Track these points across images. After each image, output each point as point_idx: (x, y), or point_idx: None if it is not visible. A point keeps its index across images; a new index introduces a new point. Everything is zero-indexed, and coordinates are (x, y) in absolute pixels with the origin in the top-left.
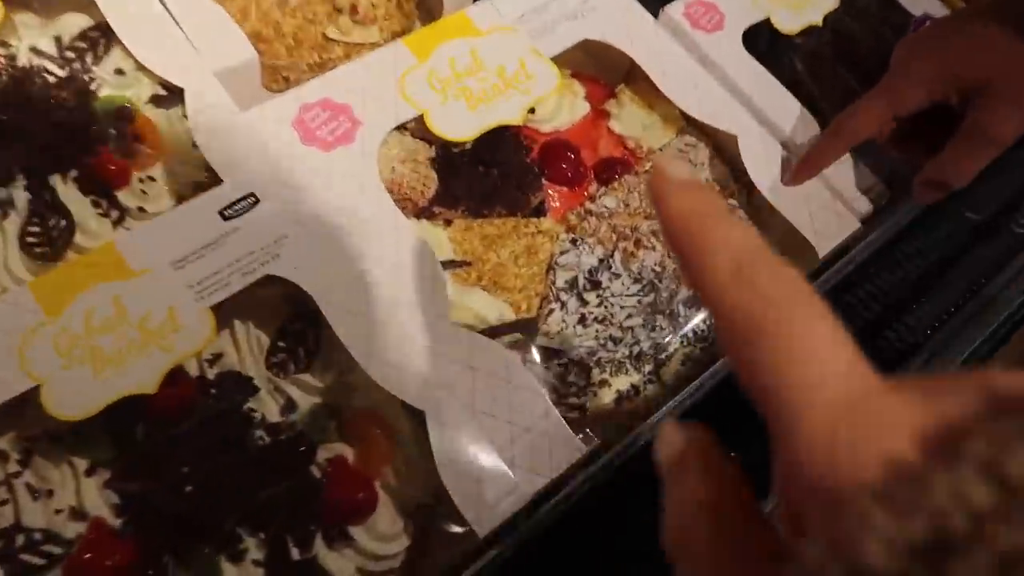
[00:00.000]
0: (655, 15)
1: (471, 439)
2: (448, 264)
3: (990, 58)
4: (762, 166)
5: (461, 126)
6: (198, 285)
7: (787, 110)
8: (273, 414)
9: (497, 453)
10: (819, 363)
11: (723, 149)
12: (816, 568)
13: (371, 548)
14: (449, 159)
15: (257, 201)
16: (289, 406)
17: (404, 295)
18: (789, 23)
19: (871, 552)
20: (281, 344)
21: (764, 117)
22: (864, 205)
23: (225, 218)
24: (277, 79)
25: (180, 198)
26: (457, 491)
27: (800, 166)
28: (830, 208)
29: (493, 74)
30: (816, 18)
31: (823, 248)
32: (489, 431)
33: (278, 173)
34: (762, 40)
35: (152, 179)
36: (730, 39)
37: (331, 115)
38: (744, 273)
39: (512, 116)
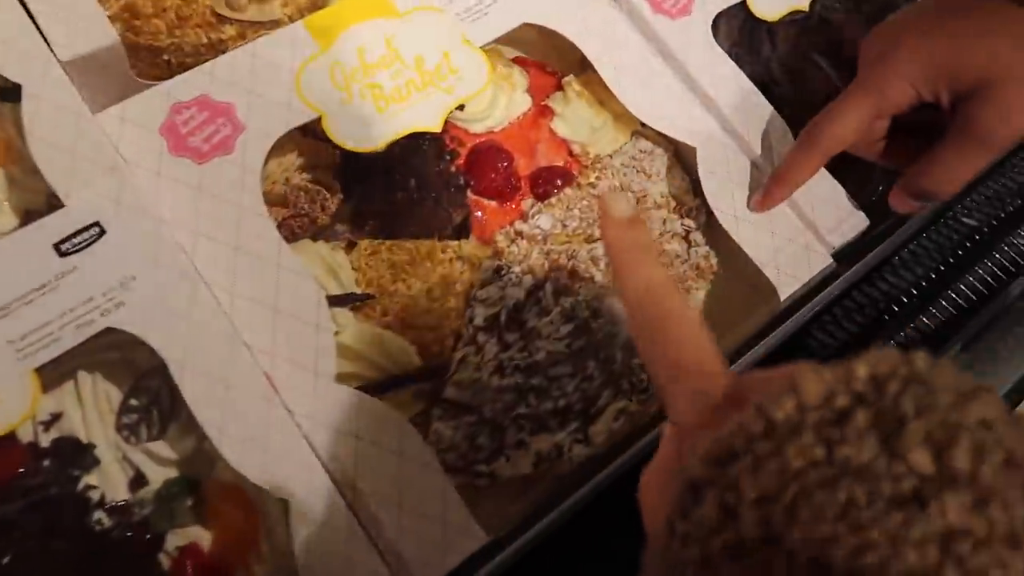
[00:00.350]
0: None
1: (346, 533)
2: (346, 298)
3: (994, 48)
4: (723, 186)
5: (366, 133)
6: (21, 341)
7: (759, 118)
8: (118, 491)
9: (378, 552)
10: (685, 366)
11: (684, 156)
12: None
13: None
14: (357, 167)
15: (103, 232)
16: (138, 480)
17: (278, 349)
18: (769, 7)
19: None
20: (134, 402)
21: (730, 126)
22: (839, 238)
23: (61, 253)
24: (157, 64)
25: (28, 219)
26: None
27: (770, 185)
28: (798, 241)
29: (410, 67)
30: (802, 2)
31: (786, 289)
32: (371, 521)
33: (134, 194)
34: (734, 27)
35: None
36: (698, 27)
37: (208, 117)
38: (644, 299)
39: (429, 122)
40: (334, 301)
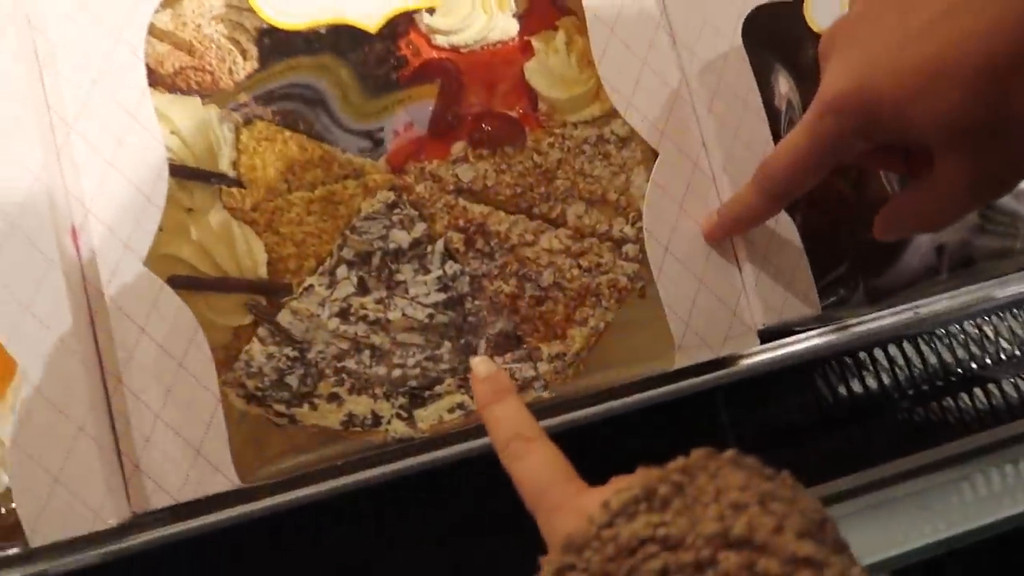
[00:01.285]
0: None
1: (83, 421)
2: (216, 176)
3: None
4: (667, 208)
5: (291, 7)
6: None
7: (750, 142)
8: None
9: (117, 452)
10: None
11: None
12: None
13: None
14: (284, 42)
15: None
16: None
17: (97, 208)
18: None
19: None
20: None
21: (712, 142)
22: (775, 317)
23: None
24: None
25: None
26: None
27: (716, 216)
28: (728, 303)
29: None
30: None
31: (684, 356)
32: (121, 420)
33: None
34: (779, 28)
35: None
36: (730, 12)
37: None
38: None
39: (366, 20)
40: (199, 175)
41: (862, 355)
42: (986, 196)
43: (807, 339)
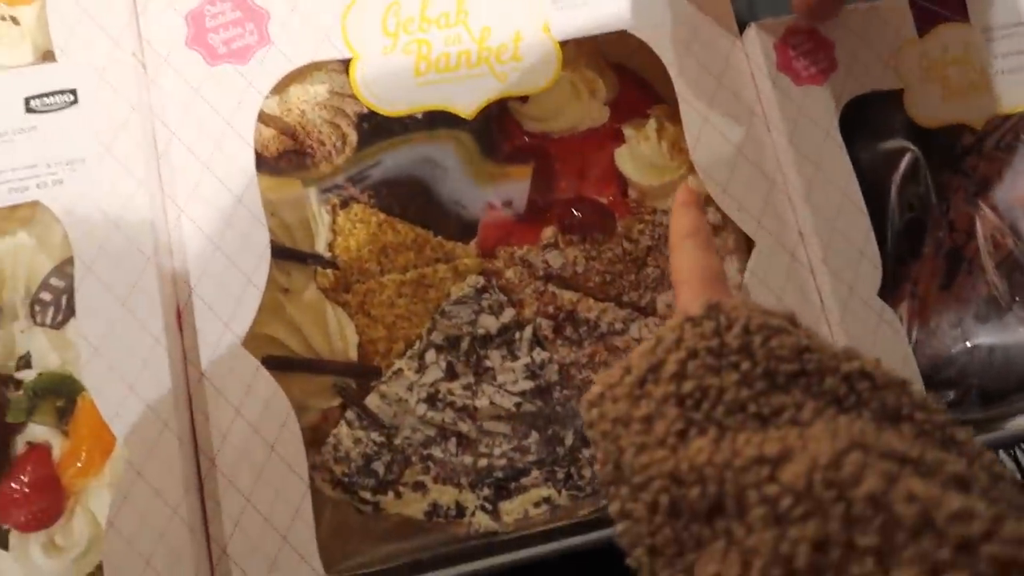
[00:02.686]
0: (744, 26)
1: (177, 502)
2: (313, 257)
3: None
4: (764, 301)
5: (391, 93)
6: None
7: (848, 241)
8: (3, 363)
9: (206, 535)
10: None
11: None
12: None
13: (22, 573)
14: (382, 126)
15: (75, 102)
16: (25, 361)
17: (201, 287)
18: (931, 111)
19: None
20: (53, 282)
21: (809, 237)
22: None
23: (29, 109)
24: None
25: (46, 57)
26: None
27: None
28: None
29: (472, 37)
30: (974, 117)
31: None
32: (212, 502)
33: (122, 73)
34: (878, 120)
35: (15, 20)
36: (826, 102)
37: (239, 18)
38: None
39: (463, 107)
40: (296, 256)
41: None
42: None
43: None
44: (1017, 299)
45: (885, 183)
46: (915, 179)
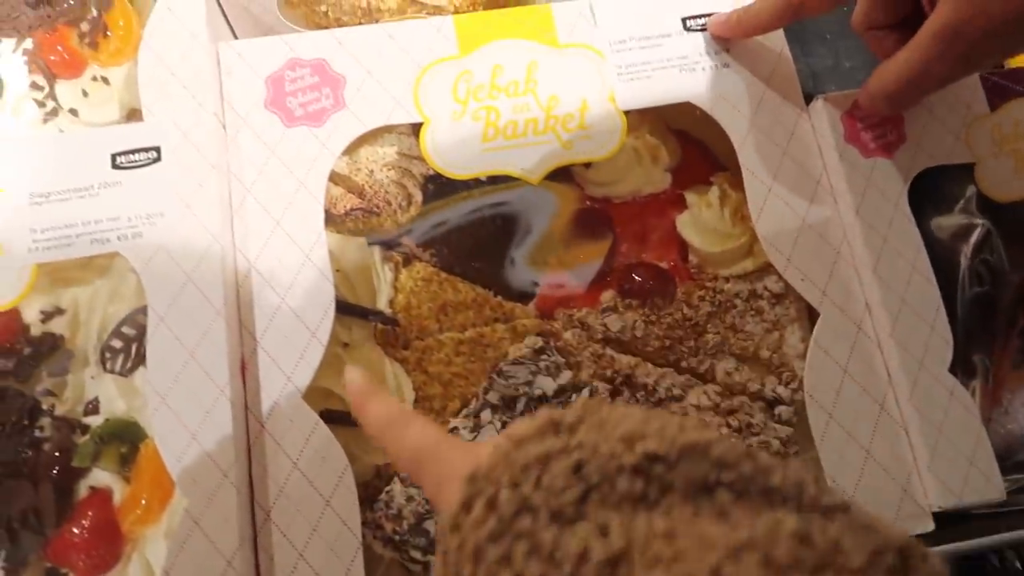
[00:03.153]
0: (811, 98)
1: (231, 557)
2: (374, 314)
3: None
4: (832, 373)
5: (458, 157)
6: (40, 233)
7: (916, 314)
8: (72, 408)
9: None
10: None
11: (814, 316)
12: None
13: None
14: (448, 187)
15: (158, 159)
16: (93, 407)
17: (267, 341)
18: (1004, 185)
19: None
20: (125, 330)
21: (876, 309)
22: (952, 499)
23: (115, 165)
24: (315, 11)
25: (132, 115)
26: None
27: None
28: (896, 478)
29: (539, 105)
30: None
31: None
32: (266, 556)
33: (205, 135)
34: (949, 193)
35: (106, 81)
36: (894, 175)
37: (317, 83)
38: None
39: (528, 171)
40: (358, 312)
41: None
42: (966, 38)
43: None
44: None
45: (956, 256)
46: (987, 252)
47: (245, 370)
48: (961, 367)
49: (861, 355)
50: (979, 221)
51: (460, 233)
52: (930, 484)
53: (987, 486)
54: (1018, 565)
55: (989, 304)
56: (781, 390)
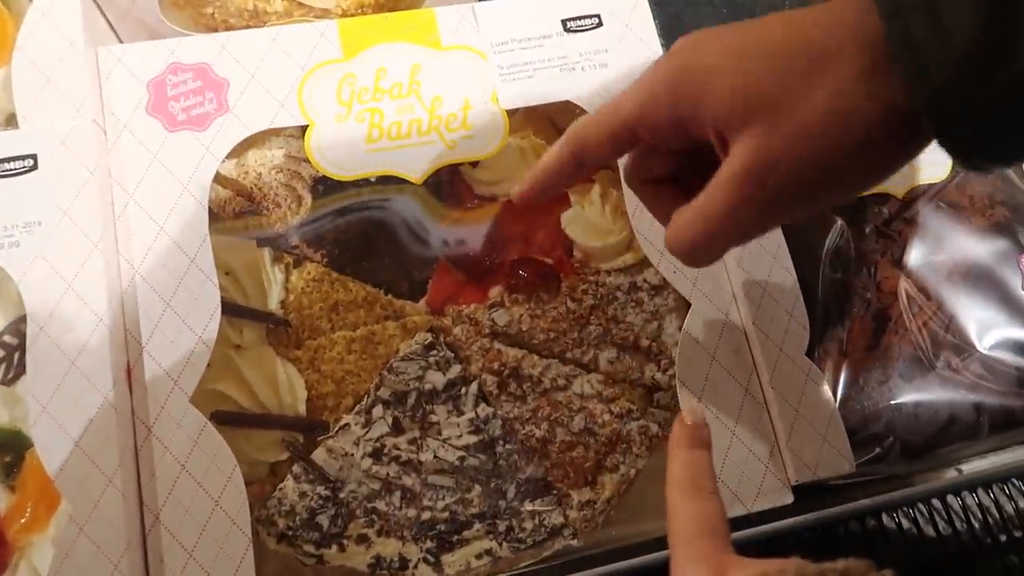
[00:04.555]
0: None
1: (119, 563)
2: (265, 315)
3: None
4: (700, 363)
5: (343, 159)
6: None
7: (779, 292)
8: None
9: None
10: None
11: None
12: None
13: None
14: (337, 188)
15: (35, 167)
16: None
17: (152, 346)
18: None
19: None
20: (6, 339)
21: (743, 298)
22: (807, 474)
23: None
24: (203, 14)
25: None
26: None
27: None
28: (760, 457)
29: (423, 106)
30: (897, 186)
31: None
32: (156, 560)
33: (83, 141)
34: None
35: None
36: None
37: (200, 87)
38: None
39: (412, 173)
40: (249, 314)
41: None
42: (767, 183)
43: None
44: (940, 358)
45: (815, 249)
46: (842, 245)
47: (131, 376)
48: (818, 350)
49: (729, 342)
50: (835, 217)
51: (350, 233)
52: (789, 460)
53: (839, 461)
54: (874, 527)
55: (845, 291)
56: (660, 377)
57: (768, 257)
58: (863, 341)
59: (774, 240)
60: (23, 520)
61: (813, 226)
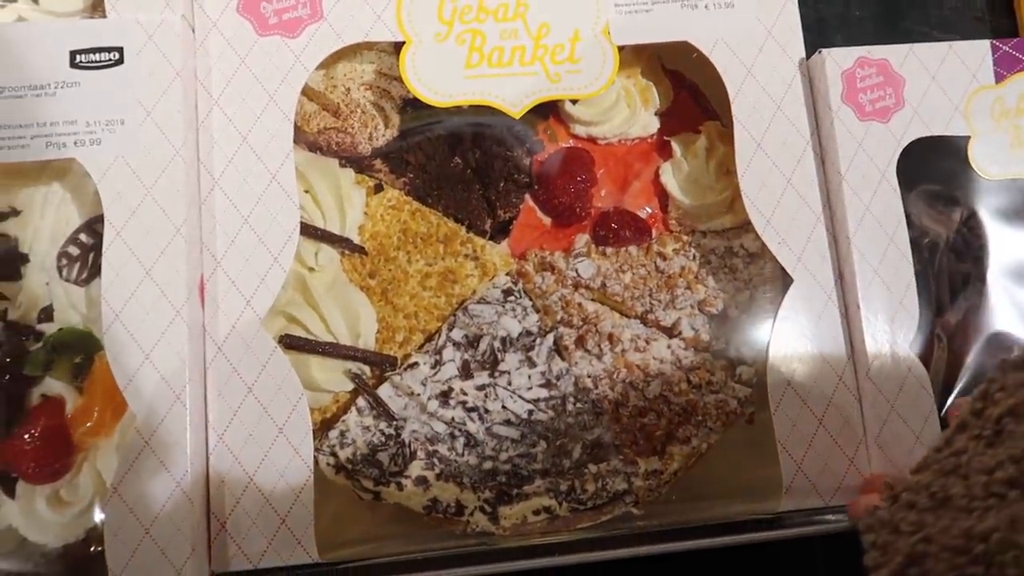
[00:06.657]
0: (814, 49)
1: (182, 478)
2: (340, 240)
3: None
4: (799, 338)
5: (438, 83)
6: None
7: (893, 278)
8: (25, 314)
9: (207, 514)
10: None
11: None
12: None
13: (25, 522)
14: (426, 112)
15: (120, 61)
16: (47, 314)
17: (228, 261)
18: (995, 162)
19: None
20: (82, 238)
21: (849, 274)
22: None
23: (73, 64)
24: None
25: (96, 7)
26: (116, 541)
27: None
28: (836, 456)
29: (529, 33)
30: None
31: (786, 503)
32: (216, 482)
33: (172, 37)
34: (936, 166)
35: None
36: (887, 142)
37: None
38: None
39: (511, 105)
40: (327, 237)
41: None
42: None
43: None
44: None
45: (936, 234)
46: (967, 230)
47: (203, 292)
48: (924, 343)
49: (827, 325)
50: (964, 200)
51: (436, 162)
52: (876, 457)
53: None
54: None
55: (964, 280)
56: (745, 350)
57: (885, 237)
58: (972, 334)
59: (894, 217)
60: (89, 424)
61: (939, 208)
